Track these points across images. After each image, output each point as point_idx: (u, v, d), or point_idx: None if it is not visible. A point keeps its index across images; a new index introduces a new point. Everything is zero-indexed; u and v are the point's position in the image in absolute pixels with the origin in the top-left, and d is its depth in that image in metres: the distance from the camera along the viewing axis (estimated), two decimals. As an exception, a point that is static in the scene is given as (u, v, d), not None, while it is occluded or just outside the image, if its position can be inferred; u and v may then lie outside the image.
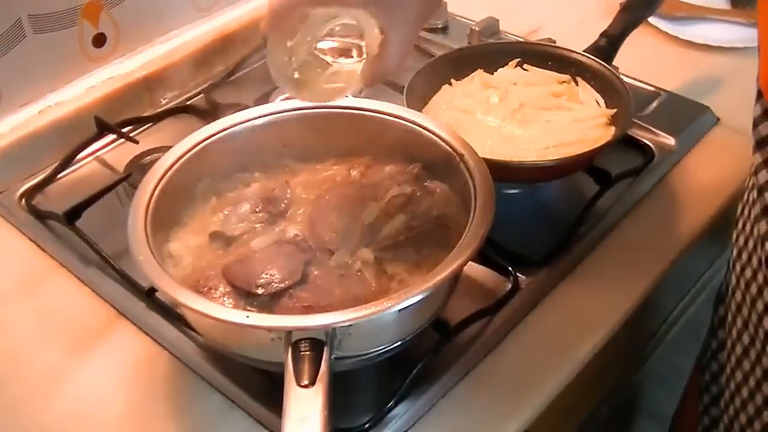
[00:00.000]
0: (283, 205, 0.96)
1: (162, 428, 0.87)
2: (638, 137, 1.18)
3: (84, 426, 0.88)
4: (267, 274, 0.85)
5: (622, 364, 1.20)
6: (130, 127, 1.25)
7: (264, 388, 0.87)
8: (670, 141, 1.18)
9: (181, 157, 0.94)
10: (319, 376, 0.71)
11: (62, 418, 0.88)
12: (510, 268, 0.99)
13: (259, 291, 0.83)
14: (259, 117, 1.00)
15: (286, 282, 0.84)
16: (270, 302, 0.84)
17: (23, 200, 1.14)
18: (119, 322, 0.98)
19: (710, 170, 1.16)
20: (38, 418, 0.89)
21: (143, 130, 1.27)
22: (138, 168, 1.14)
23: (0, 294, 1.03)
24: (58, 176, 1.18)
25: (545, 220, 1.11)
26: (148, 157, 1.16)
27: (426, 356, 0.88)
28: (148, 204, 0.88)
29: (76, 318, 0.99)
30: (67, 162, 1.19)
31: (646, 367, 1.34)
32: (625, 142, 1.16)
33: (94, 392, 0.91)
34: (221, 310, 0.77)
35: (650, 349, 1.33)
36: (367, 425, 0.84)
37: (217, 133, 0.97)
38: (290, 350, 0.73)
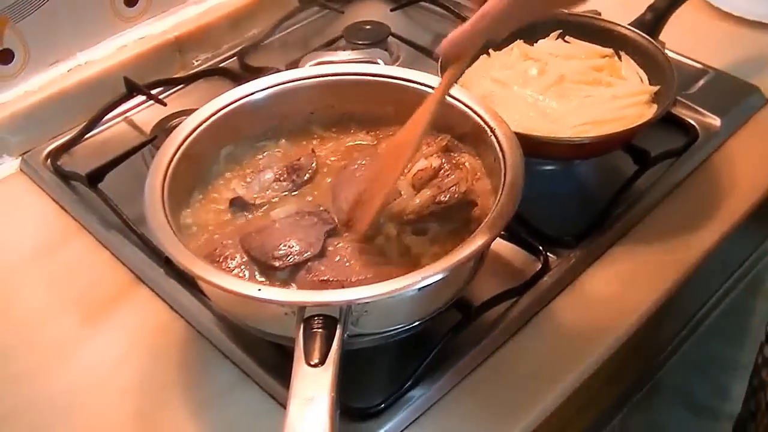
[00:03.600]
0: (307, 174, 0.93)
1: (173, 397, 0.85)
2: (681, 116, 1.14)
3: (97, 393, 0.86)
4: (285, 246, 0.82)
5: (654, 351, 1.17)
6: (160, 89, 1.23)
7: (277, 361, 0.84)
8: (715, 121, 1.14)
9: (204, 121, 0.92)
10: (329, 355, 0.68)
11: (75, 386, 0.87)
12: (540, 248, 0.96)
13: (276, 263, 0.81)
14: (287, 82, 0.97)
15: (305, 255, 0.82)
16: (287, 274, 0.81)
17: (49, 160, 1.13)
18: (137, 287, 0.96)
19: (756, 153, 1.11)
20: (51, 386, 0.87)
21: (174, 92, 1.25)
22: (164, 131, 1.11)
23: (20, 255, 1.02)
24: (85, 137, 1.17)
25: (579, 199, 1.08)
26: (175, 120, 1.13)
27: (446, 337, 0.85)
28: (167, 170, 0.85)
29: (94, 282, 0.98)
30: (95, 122, 1.17)
31: (681, 353, 1.31)
32: (667, 121, 1.12)
33: (108, 359, 0.90)
34: (232, 282, 0.74)
35: (686, 335, 1.29)
36: (381, 406, 0.81)
37: (243, 98, 0.95)
38: (302, 326, 0.71)
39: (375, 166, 0.90)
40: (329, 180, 0.93)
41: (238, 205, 0.90)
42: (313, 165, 0.93)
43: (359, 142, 0.97)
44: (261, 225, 0.86)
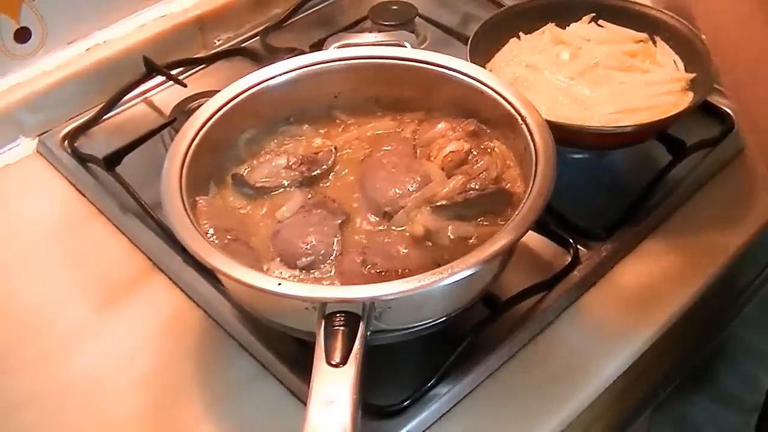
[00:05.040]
0: (319, 170, 0.90)
1: (188, 390, 0.83)
2: (718, 104, 1.10)
3: (114, 380, 0.85)
4: (305, 252, 0.80)
5: (687, 346, 1.13)
6: (181, 69, 1.21)
7: (297, 355, 0.82)
8: (754, 109, 1.09)
9: (224, 105, 0.89)
10: (351, 355, 0.66)
11: (91, 373, 0.85)
12: (570, 240, 0.93)
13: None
14: (311, 65, 0.94)
15: (330, 257, 0.80)
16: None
17: (66, 142, 1.10)
18: (154, 274, 0.94)
19: (796, 143, 1.07)
20: (67, 372, 0.86)
21: (194, 73, 1.22)
22: (184, 113, 1.08)
23: (36, 239, 1.00)
24: (104, 118, 1.14)
25: (611, 189, 1.05)
26: (195, 102, 1.10)
27: (472, 333, 0.82)
28: (185, 155, 0.83)
29: (110, 268, 0.96)
30: (113, 103, 1.15)
31: (713, 346, 1.28)
32: (703, 109, 1.08)
33: (125, 346, 0.88)
34: (251, 275, 0.71)
35: (720, 327, 1.26)
36: (405, 403, 0.78)
37: (264, 81, 0.92)
38: (323, 323, 0.68)
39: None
40: (347, 172, 0.90)
41: (238, 183, 0.88)
42: (330, 162, 0.90)
43: (380, 131, 0.94)
44: (271, 230, 0.84)
